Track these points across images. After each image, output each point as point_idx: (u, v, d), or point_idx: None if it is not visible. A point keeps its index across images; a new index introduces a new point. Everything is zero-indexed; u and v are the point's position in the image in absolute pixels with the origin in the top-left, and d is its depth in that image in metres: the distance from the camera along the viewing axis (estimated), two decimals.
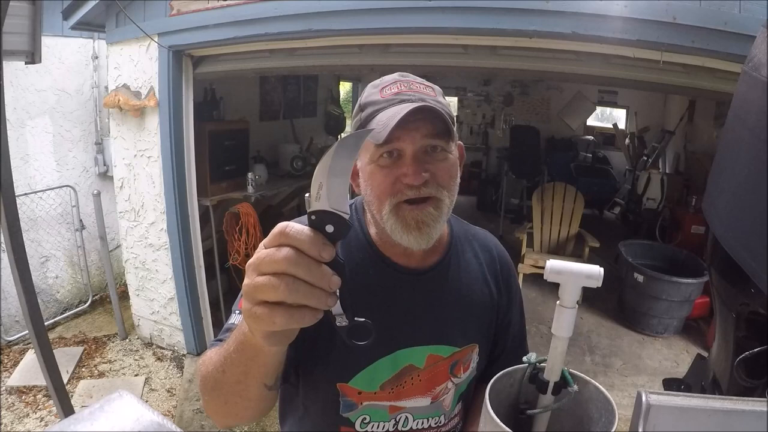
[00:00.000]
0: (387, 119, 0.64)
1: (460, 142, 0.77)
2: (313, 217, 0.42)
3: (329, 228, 0.42)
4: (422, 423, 0.80)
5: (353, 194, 0.79)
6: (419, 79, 0.73)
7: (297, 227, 0.42)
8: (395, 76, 0.73)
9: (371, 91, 0.72)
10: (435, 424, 0.81)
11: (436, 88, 0.74)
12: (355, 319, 0.46)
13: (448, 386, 0.80)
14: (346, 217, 0.42)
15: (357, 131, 0.44)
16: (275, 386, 0.61)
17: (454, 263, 0.81)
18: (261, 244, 0.44)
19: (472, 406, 0.89)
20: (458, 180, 0.73)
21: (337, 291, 0.44)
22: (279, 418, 0.89)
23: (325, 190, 0.42)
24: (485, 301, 0.83)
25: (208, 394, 0.63)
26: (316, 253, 0.41)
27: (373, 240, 0.78)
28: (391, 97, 0.68)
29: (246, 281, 0.44)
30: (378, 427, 0.78)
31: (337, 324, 0.46)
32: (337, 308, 0.45)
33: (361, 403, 0.76)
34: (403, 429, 0.79)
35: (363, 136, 0.45)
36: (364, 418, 0.77)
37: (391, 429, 0.79)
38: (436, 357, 0.78)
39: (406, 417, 0.79)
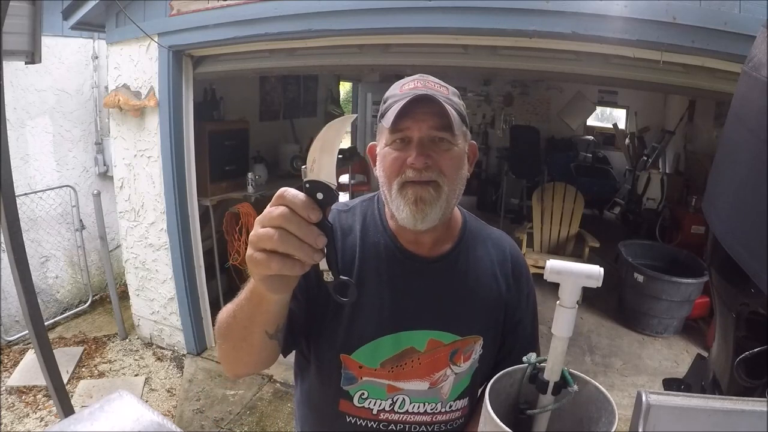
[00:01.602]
0: (398, 108, 0.73)
1: (473, 141, 0.84)
2: (307, 186, 0.51)
3: (319, 195, 0.51)
4: (418, 407, 0.83)
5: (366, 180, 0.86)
6: (436, 80, 0.81)
7: (293, 192, 0.51)
8: (416, 76, 0.81)
9: (394, 87, 0.81)
10: (431, 410, 0.83)
11: (451, 88, 0.81)
12: (340, 277, 0.54)
13: (447, 373, 0.82)
14: (334, 186, 0.51)
15: (343, 116, 0.52)
16: (275, 336, 0.69)
17: (463, 256, 0.85)
18: (268, 205, 0.53)
19: (477, 407, 0.89)
20: (464, 173, 0.79)
21: (324, 249, 0.52)
22: (294, 386, 0.95)
23: (317, 164, 0.51)
24: (493, 296, 0.85)
25: (222, 338, 0.72)
26: (305, 214, 0.50)
27: (389, 227, 0.84)
28: (407, 91, 0.76)
29: (252, 233, 0.52)
30: (375, 405, 0.82)
31: (325, 279, 0.54)
32: (323, 265, 0.53)
33: (361, 378, 0.80)
34: (399, 410, 0.82)
35: (348, 120, 0.53)
36: (362, 394, 0.81)
37: (387, 408, 0.82)
38: (436, 342, 0.81)
39: (403, 399, 0.82)
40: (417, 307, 0.81)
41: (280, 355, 0.76)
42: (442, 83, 0.80)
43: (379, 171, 0.80)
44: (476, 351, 0.84)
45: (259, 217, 0.53)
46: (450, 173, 0.75)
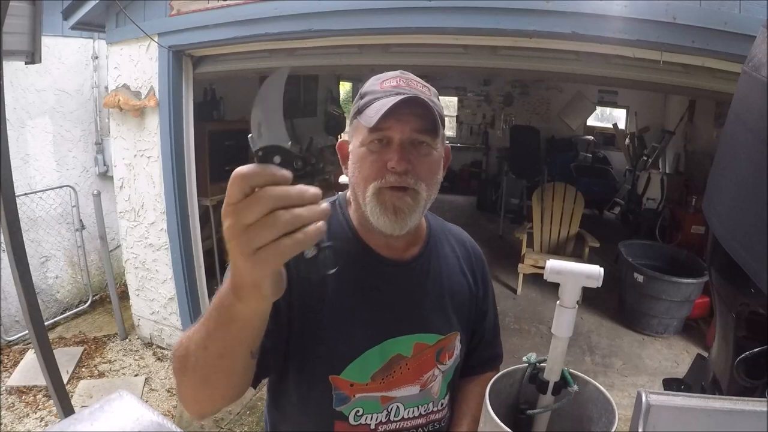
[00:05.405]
0: (380, 106, 0.68)
1: (447, 144, 0.81)
2: (260, 153, 0.44)
3: (276, 159, 0.44)
4: (412, 411, 0.83)
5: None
6: (418, 79, 0.77)
7: (251, 168, 0.42)
8: (396, 72, 0.77)
9: (373, 82, 0.76)
10: (425, 411, 0.84)
11: (433, 89, 0.78)
12: (322, 243, 0.46)
13: (435, 373, 0.83)
14: (288, 146, 0.45)
15: (278, 70, 0.45)
16: (256, 353, 0.61)
17: (434, 255, 0.86)
18: (225, 201, 0.43)
19: (458, 401, 0.91)
20: (439, 178, 0.77)
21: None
22: (267, 415, 0.87)
23: (265, 128, 0.45)
24: (464, 291, 0.88)
25: (187, 373, 0.60)
26: (283, 181, 0.41)
27: (357, 232, 0.81)
28: (390, 89, 0.73)
29: (233, 240, 0.42)
30: (371, 419, 0.80)
31: (305, 256, 0.45)
32: None
33: (354, 396, 0.78)
34: (395, 419, 0.81)
35: (285, 73, 0.46)
36: (357, 411, 0.79)
37: (383, 420, 0.81)
38: (422, 345, 0.81)
39: (398, 407, 0.81)
40: (398, 313, 0.79)
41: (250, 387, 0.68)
42: (424, 83, 0.77)
43: (351, 171, 0.76)
44: (457, 347, 0.86)
45: (227, 213, 0.42)
46: (428, 179, 0.73)
